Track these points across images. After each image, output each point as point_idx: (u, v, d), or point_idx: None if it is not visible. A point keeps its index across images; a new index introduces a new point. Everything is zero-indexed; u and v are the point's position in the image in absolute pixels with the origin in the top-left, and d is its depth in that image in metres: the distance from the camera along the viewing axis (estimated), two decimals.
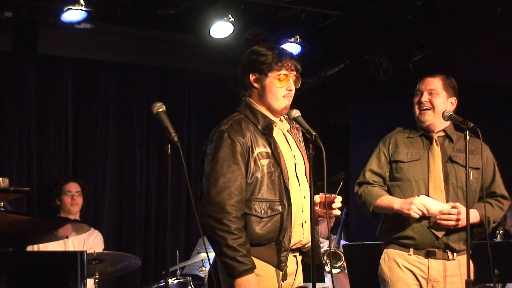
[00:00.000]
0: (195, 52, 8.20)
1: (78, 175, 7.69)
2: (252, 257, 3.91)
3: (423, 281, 4.69)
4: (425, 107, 4.79)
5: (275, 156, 4.02)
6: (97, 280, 6.23)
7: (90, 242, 6.99)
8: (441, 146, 4.82)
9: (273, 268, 3.98)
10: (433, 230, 4.68)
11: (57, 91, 7.82)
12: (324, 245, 7.06)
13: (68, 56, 7.83)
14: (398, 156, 4.81)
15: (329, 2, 7.73)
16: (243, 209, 3.94)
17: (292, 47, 8.05)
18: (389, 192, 4.81)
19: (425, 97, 4.79)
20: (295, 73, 4.11)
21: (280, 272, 3.99)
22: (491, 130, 7.39)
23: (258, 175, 3.99)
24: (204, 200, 3.97)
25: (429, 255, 4.69)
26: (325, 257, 6.72)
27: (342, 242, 7.43)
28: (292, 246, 4.03)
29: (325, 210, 4.06)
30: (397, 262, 4.71)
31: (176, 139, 3.82)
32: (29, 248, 6.18)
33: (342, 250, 6.90)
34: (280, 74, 4.07)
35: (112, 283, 7.72)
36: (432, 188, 4.72)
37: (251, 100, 4.14)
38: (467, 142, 4.57)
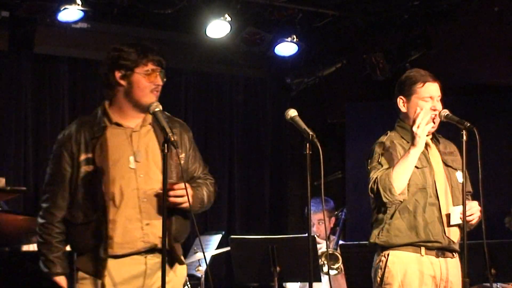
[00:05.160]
0: (192, 51, 8.20)
1: None
2: (75, 263, 4.00)
3: (437, 281, 4.66)
4: (435, 113, 4.73)
5: (98, 161, 3.97)
6: None
7: None
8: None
9: (91, 278, 3.97)
10: (450, 236, 4.67)
11: (54, 91, 7.82)
12: (322, 246, 7.06)
13: (64, 55, 7.84)
14: None
15: (326, 2, 7.73)
16: (61, 217, 4.02)
17: (289, 46, 8.06)
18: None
19: (438, 105, 4.73)
20: (160, 68, 4.05)
21: (99, 281, 3.95)
22: (488, 130, 7.41)
23: (79, 181, 3.97)
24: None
25: (439, 255, 4.67)
26: (323, 258, 6.72)
27: (341, 243, 7.42)
28: (124, 253, 3.96)
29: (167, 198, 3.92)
30: (411, 265, 4.66)
31: (173, 139, 3.81)
32: (25, 248, 6.17)
33: (340, 252, 6.88)
34: (147, 70, 4.02)
35: None
36: (440, 193, 4.69)
37: (105, 103, 4.09)
38: (463, 142, 4.56)
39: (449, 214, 4.66)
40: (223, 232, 7.11)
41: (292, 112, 4.09)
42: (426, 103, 4.73)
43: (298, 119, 4.05)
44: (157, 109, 3.94)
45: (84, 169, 3.96)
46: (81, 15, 7.13)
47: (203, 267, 6.65)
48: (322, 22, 7.90)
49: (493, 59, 7.97)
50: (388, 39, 8.24)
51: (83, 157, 3.97)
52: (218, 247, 6.94)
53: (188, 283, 6.44)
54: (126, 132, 4.06)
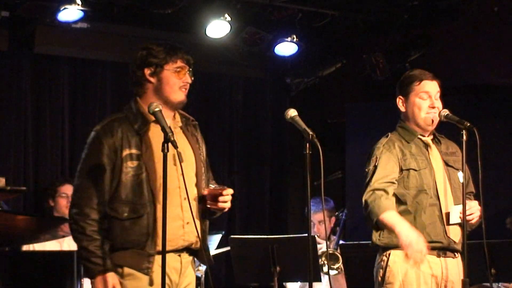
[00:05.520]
0: (192, 51, 8.18)
1: (74, 176, 7.67)
2: (114, 260, 3.94)
3: (438, 281, 4.66)
4: (434, 112, 4.74)
5: (145, 158, 3.98)
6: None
7: None
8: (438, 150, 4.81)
9: (139, 274, 3.96)
10: (451, 236, 4.67)
11: (54, 91, 7.81)
12: (322, 246, 7.05)
13: (64, 55, 7.83)
14: (409, 164, 4.69)
15: (326, 2, 7.73)
16: (103, 211, 3.95)
17: (289, 46, 8.06)
18: (398, 200, 4.72)
19: (436, 103, 4.74)
20: (189, 66, 4.13)
21: (147, 277, 3.96)
22: (488, 130, 7.42)
23: (123, 177, 3.96)
24: (70, 202, 4.06)
25: (440, 254, 4.67)
26: (323, 258, 6.72)
27: (341, 243, 7.42)
28: (168, 250, 3.94)
29: (212, 202, 4.06)
30: (410, 264, 4.66)
31: (173, 139, 3.81)
32: (25, 248, 6.17)
33: (340, 252, 6.88)
34: (176, 67, 4.08)
35: None
36: (441, 194, 4.70)
37: (138, 100, 4.11)
38: (463, 142, 4.57)
39: (449, 213, 4.66)
40: (223, 232, 7.11)
41: (292, 112, 4.10)
42: (424, 100, 4.74)
43: (298, 119, 4.05)
44: (157, 109, 3.94)
45: (129, 164, 3.96)
46: (81, 15, 7.12)
47: (203, 267, 6.65)
48: (322, 22, 7.89)
49: (493, 59, 7.97)
50: (388, 39, 8.24)
51: (126, 152, 3.97)
52: (218, 247, 6.94)
53: None
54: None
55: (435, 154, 4.79)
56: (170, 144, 3.84)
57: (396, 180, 4.69)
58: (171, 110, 4.13)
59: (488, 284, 5.77)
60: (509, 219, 7.24)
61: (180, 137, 4.11)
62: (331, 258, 6.93)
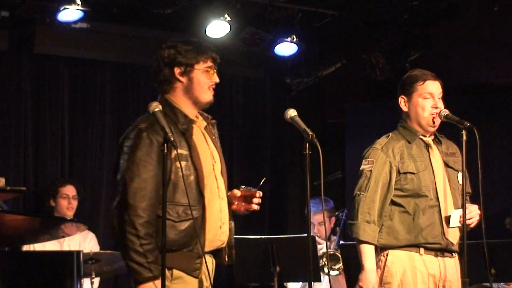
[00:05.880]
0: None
1: (74, 176, 7.67)
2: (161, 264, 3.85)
3: (436, 280, 4.67)
4: (436, 112, 4.73)
5: (193, 158, 3.95)
6: (93, 280, 6.22)
7: (86, 246, 6.94)
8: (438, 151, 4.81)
9: (187, 276, 3.91)
10: (449, 238, 4.68)
11: (54, 91, 7.81)
12: (323, 247, 7.04)
13: (64, 55, 7.82)
14: (407, 168, 4.69)
15: (326, 2, 7.72)
16: (155, 213, 3.85)
17: (289, 46, 8.05)
18: (394, 203, 4.75)
19: (439, 103, 4.74)
20: (216, 65, 4.11)
21: (195, 279, 3.94)
22: (488, 130, 7.42)
23: (173, 177, 3.89)
24: (116, 201, 3.90)
25: (438, 255, 4.68)
26: (324, 258, 6.71)
27: (341, 243, 7.41)
28: (208, 251, 3.98)
29: (244, 203, 4.06)
30: (410, 264, 4.67)
31: (172, 139, 3.80)
32: (25, 248, 6.18)
33: (340, 252, 6.87)
34: (206, 67, 4.06)
35: (109, 283, 7.70)
36: (440, 195, 4.70)
37: (169, 97, 4.07)
38: (463, 142, 4.57)
39: (449, 216, 4.67)
40: None
41: (292, 112, 4.09)
42: (427, 100, 4.74)
43: (298, 119, 4.05)
44: (156, 109, 3.94)
45: (178, 165, 3.88)
46: (80, 15, 7.12)
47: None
48: (322, 22, 7.89)
49: (493, 59, 7.97)
50: (387, 39, 8.24)
51: (176, 152, 3.89)
52: None
53: None
54: (199, 129, 4.10)
55: (435, 155, 4.78)
56: (208, 145, 3.94)
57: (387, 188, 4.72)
58: (195, 109, 4.10)
59: (488, 284, 5.76)
60: (509, 219, 7.23)
61: (207, 137, 4.12)
62: (332, 259, 6.91)
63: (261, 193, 4.09)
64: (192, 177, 3.93)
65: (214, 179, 4.02)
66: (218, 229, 4.01)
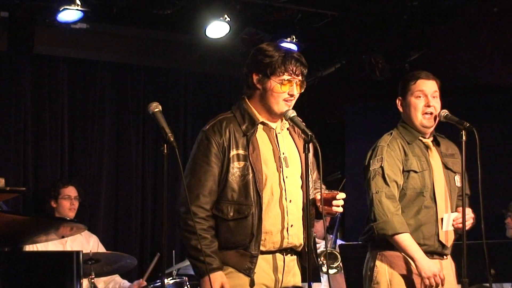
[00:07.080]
0: (191, 52, 8.20)
1: (74, 177, 7.67)
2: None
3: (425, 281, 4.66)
4: (430, 112, 4.73)
5: (252, 159, 3.97)
6: (93, 280, 6.21)
7: (89, 248, 6.92)
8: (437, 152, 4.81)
9: (240, 274, 3.97)
10: (442, 240, 4.67)
11: (53, 91, 7.82)
12: (321, 245, 7.05)
13: (64, 56, 7.83)
14: (411, 166, 4.70)
15: (325, 2, 7.73)
16: (210, 210, 3.96)
17: (288, 47, 8.03)
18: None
19: (432, 101, 4.73)
20: (299, 78, 4.05)
21: (247, 278, 3.97)
22: (487, 130, 7.42)
23: (230, 177, 3.96)
24: (178, 200, 4.03)
25: (428, 256, 4.66)
26: (322, 257, 6.71)
27: (339, 242, 7.42)
28: (267, 250, 4.00)
29: (326, 207, 4.04)
30: (399, 264, 4.67)
31: (172, 139, 3.81)
32: (26, 248, 6.17)
33: (338, 251, 6.89)
34: (282, 79, 4.02)
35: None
36: (438, 197, 4.69)
37: (247, 100, 4.11)
38: (463, 143, 4.56)
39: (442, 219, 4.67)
40: None
41: (291, 112, 4.10)
42: (419, 99, 4.74)
43: (297, 119, 4.05)
44: (156, 110, 3.95)
45: (236, 165, 3.96)
46: (80, 15, 7.12)
47: None
48: (321, 22, 7.89)
49: (492, 59, 7.97)
50: (387, 40, 8.24)
51: (233, 152, 3.97)
52: None
53: (187, 283, 6.44)
54: (271, 132, 4.10)
55: (435, 156, 4.78)
56: (279, 149, 3.98)
57: (399, 183, 4.69)
58: (271, 116, 4.11)
59: (487, 285, 5.77)
60: (509, 219, 7.23)
61: (287, 139, 4.13)
62: (330, 257, 6.92)
63: (342, 195, 4.09)
64: (249, 177, 3.97)
65: (280, 181, 4.02)
66: (284, 231, 4.01)
